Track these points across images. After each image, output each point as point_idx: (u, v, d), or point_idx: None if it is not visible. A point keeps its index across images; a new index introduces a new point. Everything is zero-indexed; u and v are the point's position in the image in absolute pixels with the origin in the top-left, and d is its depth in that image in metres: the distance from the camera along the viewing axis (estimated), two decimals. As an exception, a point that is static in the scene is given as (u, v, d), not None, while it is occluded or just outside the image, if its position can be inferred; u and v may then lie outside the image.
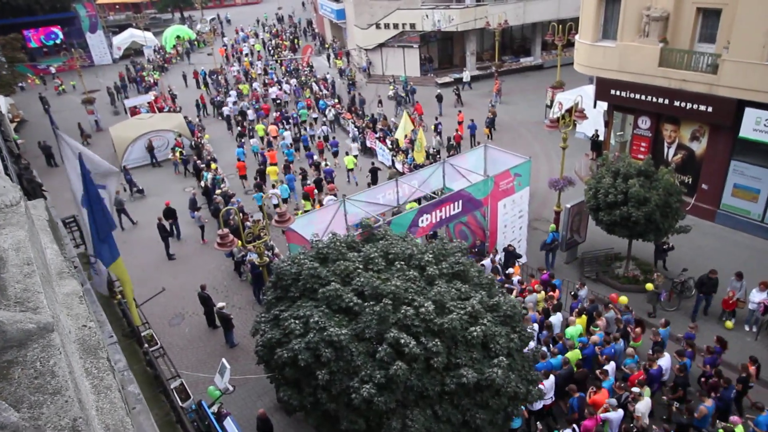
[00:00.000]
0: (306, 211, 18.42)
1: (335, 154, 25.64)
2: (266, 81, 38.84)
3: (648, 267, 15.95)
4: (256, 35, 56.13)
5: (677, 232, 14.24)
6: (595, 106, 20.92)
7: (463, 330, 8.12)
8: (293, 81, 37.86)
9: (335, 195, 19.34)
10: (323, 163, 23.15)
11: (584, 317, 12.88)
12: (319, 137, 27.43)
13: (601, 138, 22.06)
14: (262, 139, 28.30)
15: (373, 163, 23.85)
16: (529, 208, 17.11)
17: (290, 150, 25.72)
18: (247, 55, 48.75)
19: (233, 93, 35.55)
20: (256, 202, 21.20)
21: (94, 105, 33.76)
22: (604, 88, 19.71)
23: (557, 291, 14.22)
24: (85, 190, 7.12)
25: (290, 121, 30.53)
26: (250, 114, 31.95)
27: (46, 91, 42.50)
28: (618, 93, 19.17)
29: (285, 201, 21.16)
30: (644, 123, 19.32)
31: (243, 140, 28.02)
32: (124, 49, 53.48)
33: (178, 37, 55.28)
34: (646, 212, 13.28)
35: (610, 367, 11.16)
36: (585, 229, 17.01)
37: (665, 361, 11.40)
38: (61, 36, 51.92)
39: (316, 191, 20.91)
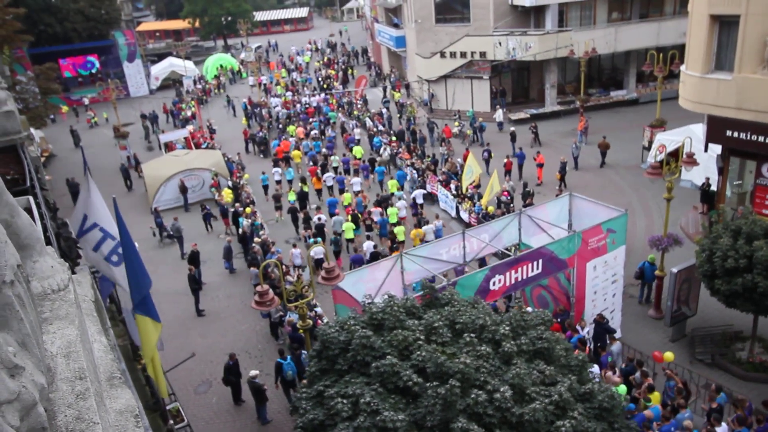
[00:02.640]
0: (300, 192, 25.59)
1: (351, 149, 32.13)
2: (298, 90, 48.68)
3: (780, 351, 14.82)
4: (317, 49, 65.58)
5: (818, 308, 13.22)
6: (706, 150, 20.23)
7: (548, 424, 7.69)
8: (322, 94, 45.93)
9: (354, 174, 28.66)
10: (335, 158, 30.70)
11: (657, 394, 12.52)
12: (348, 131, 35.77)
13: (714, 188, 21.20)
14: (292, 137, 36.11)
15: (371, 154, 31.14)
16: (624, 272, 16.47)
17: (317, 142, 33.90)
18: (296, 65, 59.37)
19: (275, 99, 44.37)
20: (261, 183, 28.69)
21: (128, 140, 35.79)
22: (717, 129, 19.08)
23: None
24: (123, 243, 7.38)
25: (320, 123, 38.66)
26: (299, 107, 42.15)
27: (78, 124, 45.54)
28: (735, 134, 18.49)
29: (289, 182, 28.83)
30: (770, 171, 18.46)
31: (284, 135, 36.56)
32: (162, 80, 57.01)
33: (220, 66, 58.47)
34: (777, 282, 12.43)
35: None
36: (696, 300, 16.14)
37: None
38: (97, 65, 56.06)
39: (318, 171, 28.13)
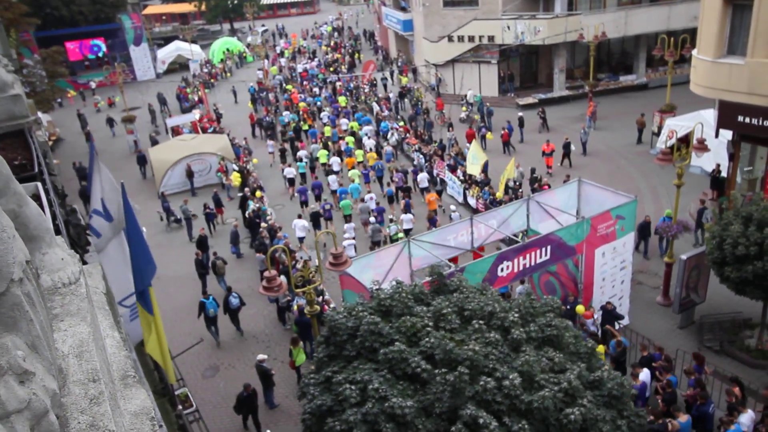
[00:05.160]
0: (295, 128, 34.29)
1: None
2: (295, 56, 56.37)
3: (789, 338, 14.71)
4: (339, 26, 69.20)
5: (829, 296, 13.09)
6: (716, 136, 19.98)
7: (557, 411, 7.65)
8: (315, 61, 52.35)
9: (331, 116, 35.35)
10: (326, 108, 37.48)
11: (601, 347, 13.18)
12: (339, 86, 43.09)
13: (724, 174, 20.97)
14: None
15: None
16: (633, 258, 16.35)
17: (318, 97, 40.62)
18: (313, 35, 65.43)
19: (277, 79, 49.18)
20: (280, 122, 36.19)
21: (134, 124, 35.70)
22: (728, 114, 18.82)
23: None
24: (128, 228, 7.33)
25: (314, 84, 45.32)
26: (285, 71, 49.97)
27: (85, 108, 45.44)
28: (747, 120, 18.23)
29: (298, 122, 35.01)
30: (781, 157, 18.23)
31: (288, 92, 42.81)
32: (168, 63, 56.73)
33: (227, 50, 58.12)
34: (788, 270, 12.30)
35: None
36: (705, 288, 16.02)
37: (645, 376, 12.09)
38: (104, 48, 55.80)
39: (308, 113, 36.71)
